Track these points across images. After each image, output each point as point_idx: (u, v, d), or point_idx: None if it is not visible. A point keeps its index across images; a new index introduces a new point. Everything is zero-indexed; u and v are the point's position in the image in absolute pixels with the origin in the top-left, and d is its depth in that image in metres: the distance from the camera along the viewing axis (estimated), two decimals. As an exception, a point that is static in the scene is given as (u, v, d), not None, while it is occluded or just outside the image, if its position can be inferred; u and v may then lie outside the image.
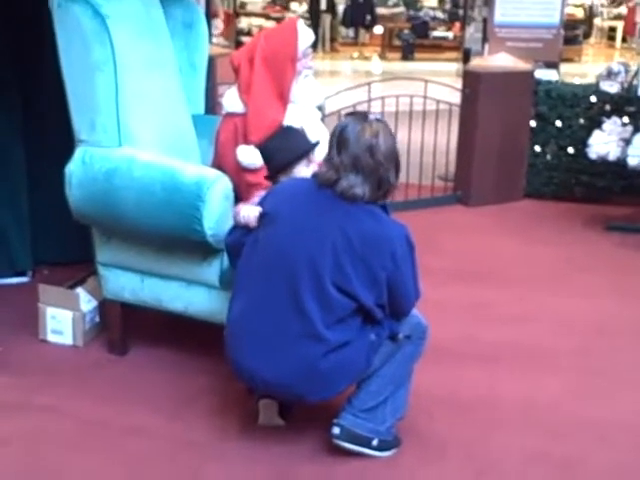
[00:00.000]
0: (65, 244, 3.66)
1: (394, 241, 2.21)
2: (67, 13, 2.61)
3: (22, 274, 3.68)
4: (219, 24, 9.05)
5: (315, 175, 2.29)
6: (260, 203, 2.37)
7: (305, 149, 2.60)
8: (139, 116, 2.81)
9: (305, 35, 2.85)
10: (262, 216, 2.31)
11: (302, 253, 2.19)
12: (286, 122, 2.80)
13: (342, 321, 2.21)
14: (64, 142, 2.90)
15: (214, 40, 6.77)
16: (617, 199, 5.12)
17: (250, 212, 2.37)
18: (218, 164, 2.88)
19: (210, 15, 5.33)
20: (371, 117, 2.25)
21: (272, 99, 2.82)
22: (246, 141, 2.80)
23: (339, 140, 2.22)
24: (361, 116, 2.28)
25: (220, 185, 2.56)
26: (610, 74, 4.78)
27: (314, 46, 3.04)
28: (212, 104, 4.23)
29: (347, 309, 2.21)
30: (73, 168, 2.72)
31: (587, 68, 12.69)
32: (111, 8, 2.65)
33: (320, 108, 3.26)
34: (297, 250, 2.20)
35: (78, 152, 2.75)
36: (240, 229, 2.41)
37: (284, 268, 2.21)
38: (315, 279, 2.17)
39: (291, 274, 2.20)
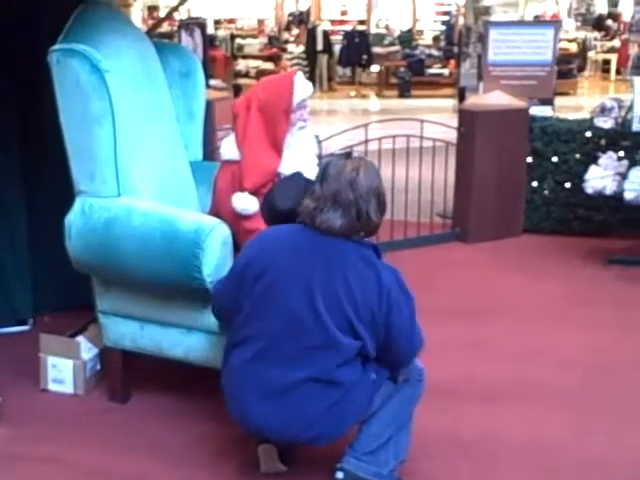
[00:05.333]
0: (66, 290, 3.65)
1: (388, 286, 2.23)
2: (66, 68, 2.65)
3: (23, 322, 3.68)
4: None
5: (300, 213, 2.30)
6: (244, 254, 2.35)
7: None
8: (138, 166, 2.85)
9: (301, 88, 2.88)
10: (247, 270, 2.27)
11: (303, 304, 2.19)
12: (282, 169, 2.84)
13: (347, 363, 2.22)
14: (64, 190, 2.93)
15: (212, 82, 6.85)
16: (615, 232, 5.12)
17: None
18: (216, 211, 2.92)
19: (207, 62, 5.41)
20: (354, 155, 2.30)
21: (266, 147, 2.85)
22: (241, 188, 2.84)
23: (322, 175, 2.28)
24: (344, 154, 2.32)
25: (218, 232, 2.59)
26: (604, 110, 4.84)
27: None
28: (211, 149, 4.28)
29: (353, 350, 2.22)
30: (72, 218, 2.75)
31: (583, 101, 12.80)
32: (109, 63, 2.69)
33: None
34: (297, 301, 2.20)
35: (77, 202, 2.78)
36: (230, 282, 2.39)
37: (286, 317, 2.20)
38: (320, 327, 2.18)
39: (294, 322, 2.20)
